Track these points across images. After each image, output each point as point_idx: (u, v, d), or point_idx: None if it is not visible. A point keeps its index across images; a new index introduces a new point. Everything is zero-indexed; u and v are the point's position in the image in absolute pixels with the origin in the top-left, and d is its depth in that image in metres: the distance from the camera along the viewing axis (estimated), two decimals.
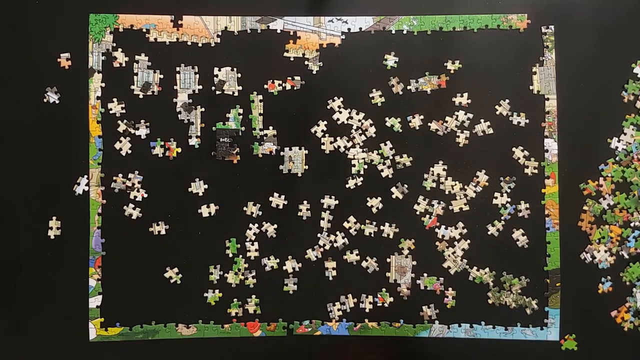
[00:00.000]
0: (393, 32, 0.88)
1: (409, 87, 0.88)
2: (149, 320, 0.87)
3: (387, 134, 0.88)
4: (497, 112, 0.88)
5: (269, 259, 0.88)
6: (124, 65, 0.88)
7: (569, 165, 0.88)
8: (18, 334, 0.87)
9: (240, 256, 0.88)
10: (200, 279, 0.88)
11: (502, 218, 0.88)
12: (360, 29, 0.89)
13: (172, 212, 0.88)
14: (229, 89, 0.88)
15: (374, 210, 0.88)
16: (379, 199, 0.88)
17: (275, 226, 0.88)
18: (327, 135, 0.88)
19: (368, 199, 0.88)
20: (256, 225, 0.88)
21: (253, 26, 0.88)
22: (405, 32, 0.88)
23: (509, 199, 0.88)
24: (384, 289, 0.88)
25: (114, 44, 0.88)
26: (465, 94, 0.88)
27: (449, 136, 0.88)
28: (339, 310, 0.88)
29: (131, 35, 0.88)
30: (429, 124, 0.88)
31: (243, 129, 0.88)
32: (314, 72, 0.88)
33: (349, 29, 0.88)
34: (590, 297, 0.87)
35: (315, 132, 0.88)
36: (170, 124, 0.88)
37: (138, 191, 0.87)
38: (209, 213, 0.88)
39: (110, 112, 0.88)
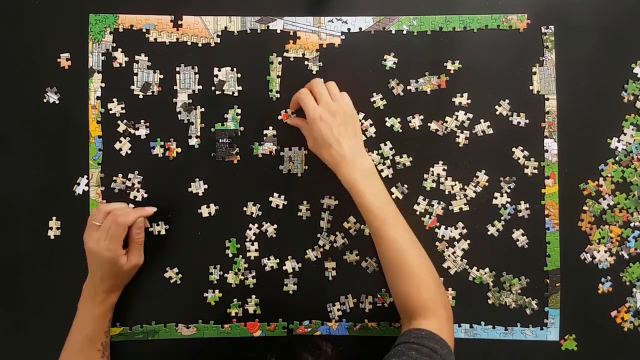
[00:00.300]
0: (393, 32, 0.88)
1: (408, 87, 0.88)
2: (149, 320, 0.87)
3: (387, 134, 0.88)
4: (497, 112, 0.88)
5: (268, 259, 0.88)
6: (124, 65, 0.88)
7: (569, 165, 0.88)
8: (18, 334, 0.87)
9: (240, 256, 0.88)
10: (200, 279, 0.88)
11: (502, 218, 0.88)
12: (360, 29, 0.89)
13: (172, 212, 0.88)
14: (228, 89, 0.88)
15: None
16: None
17: (275, 226, 0.88)
18: None
19: None
20: (256, 225, 0.88)
21: (253, 26, 0.88)
22: (405, 32, 0.88)
23: (509, 199, 0.88)
24: (383, 289, 0.88)
25: (114, 44, 0.88)
26: (465, 94, 0.88)
27: (449, 136, 0.88)
28: (338, 310, 0.88)
29: (131, 36, 0.88)
30: (429, 124, 0.88)
31: (242, 129, 0.88)
32: (314, 72, 0.88)
33: (348, 29, 0.89)
34: (590, 297, 0.87)
35: None
36: (170, 124, 0.88)
37: (138, 191, 0.87)
38: (209, 213, 0.88)
39: (110, 112, 0.88)
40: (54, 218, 0.87)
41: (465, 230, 0.88)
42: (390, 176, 0.88)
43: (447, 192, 0.88)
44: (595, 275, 0.88)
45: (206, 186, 0.88)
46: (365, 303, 0.88)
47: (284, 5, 0.89)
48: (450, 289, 0.87)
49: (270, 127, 0.88)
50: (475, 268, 0.88)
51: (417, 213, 0.88)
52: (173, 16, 0.88)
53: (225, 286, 0.88)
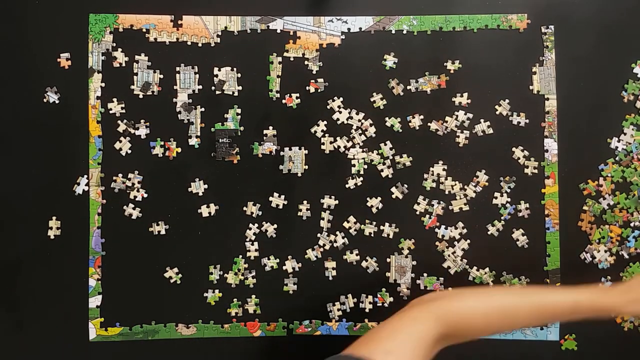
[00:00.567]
0: (393, 32, 0.88)
1: (408, 87, 0.88)
2: (148, 320, 0.87)
3: (387, 134, 0.88)
4: (497, 112, 0.88)
5: (268, 259, 0.88)
6: (124, 65, 0.88)
7: (569, 165, 0.88)
8: (18, 334, 0.87)
9: (240, 256, 0.88)
10: (200, 279, 0.88)
11: (502, 218, 0.88)
12: (360, 29, 0.89)
13: (172, 212, 0.88)
14: (228, 89, 0.88)
15: (374, 210, 0.88)
16: (379, 199, 0.88)
17: (275, 226, 0.88)
18: (327, 135, 0.88)
19: (368, 199, 0.88)
20: (256, 225, 0.88)
21: (253, 26, 0.88)
22: (405, 32, 0.88)
23: (508, 199, 0.88)
24: (384, 289, 0.88)
25: (114, 44, 0.88)
26: (465, 94, 0.88)
27: (449, 136, 0.88)
28: (338, 310, 0.88)
29: (131, 35, 0.88)
30: (429, 124, 0.88)
31: (242, 128, 0.88)
32: (314, 72, 0.88)
33: (348, 29, 0.88)
34: None
35: (315, 132, 0.88)
36: (170, 124, 0.88)
37: (138, 191, 0.87)
38: (209, 213, 0.88)
39: (110, 112, 0.88)
40: (54, 218, 0.87)
41: (465, 230, 0.88)
42: (390, 176, 0.88)
43: (447, 192, 0.88)
44: (595, 275, 0.87)
45: (206, 186, 0.88)
46: (365, 303, 0.88)
47: (284, 5, 0.89)
48: (450, 289, 0.87)
49: (270, 127, 0.88)
50: (475, 268, 0.88)
51: (417, 213, 0.88)
52: (173, 16, 0.88)
53: (225, 286, 0.88)
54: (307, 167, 0.88)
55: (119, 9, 0.88)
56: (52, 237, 0.87)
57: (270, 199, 0.88)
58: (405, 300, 0.87)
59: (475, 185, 0.88)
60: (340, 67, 0.88)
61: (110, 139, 0.88)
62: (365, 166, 0.88)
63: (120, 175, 0.88)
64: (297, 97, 0.88)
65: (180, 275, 0.87)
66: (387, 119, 0.88)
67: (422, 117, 0.88)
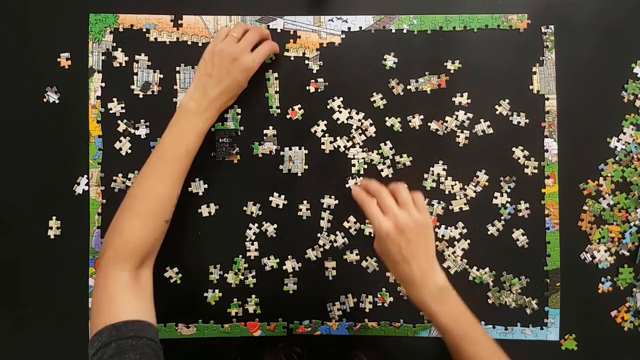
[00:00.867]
0: (393, 31, 0.88)
1: (408, 87, 0.88)
2: None
3: (387, 133, 0.88)
4: (497, 112, 0.88)
5: (268, 259, 0.88)
6: (124, 65, 0.88)
7: (569, 165, 0.88)
8: (18, 334, 0.87)
9: (240, 256, 0.88)
10: (200, 279, 0.88)
11: (502, 218, 0.88)
12: (361, 28, 0.89)
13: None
14: None
15: None
16: None
17: (275, 226, 0.88)
18: (327, 135, 0.88)
19: None
20: (256, 225, 0.88)
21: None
22: (405, 31, 0.88)
23: (509, 199, 0.88)
24: (384, 289, 0.88)
25: (114, 44, 0.88)
26: (465, 94, 0.88)
27: (449, 136, 0.88)
28: (338, 310, 0.88)
29: (131, 35, 0.88)
30: (429, 123, 0.88)
31: (242, 128, 0.88)
32: (314, 72, 0.88)
33: (349, 28, 0.88)
34: (590, 297, 0.87)
35: (315, 132, 0.88)
36: None
37: None
38: (209, 213, 0.88)
39: (110, 112, 0.88)
40: (54, 218, 0.87)
41: (465, 230, 0.88)
42: (390, 176, 0.88)
43: (447, 192, 0.88)
44: (595, 275, 0.88)
45: (206, 186, 0.88)
46: (365, 303, 0.88)
47: (284, 5, 0.89)
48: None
49: (270, 127, 0.88)
50: (475, 268, 0.88)
51: None
52: (173, 16, 0.88)
53: (225, 286, 0.88)
54: (307, 167, 0.88)
55: (119, 9, 0.88)
56: (52, 237, 0.87)
57: (270, 198, 0.88)
58: (406, 300, 0.87)
59: (475, 185, 0.88)
60: (341, 66, 0.88)
61: (110, 138, 0.88)
62: (365, 166, 0.88)
63: (120, 175, 0.88)
64: (299, 108, 0.88)
65: (180, 275, 0.88)
66: (387, 118, 0.88)
67: (422, 117, 0.88)
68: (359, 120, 0.88)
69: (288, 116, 0.88)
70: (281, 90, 0.88)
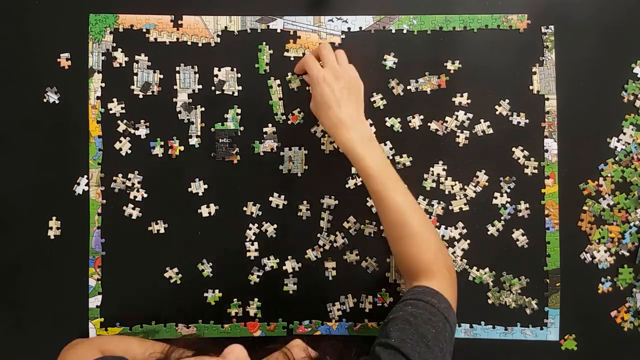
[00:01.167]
0: (393, 31, 0.88)
1: (408, 87, 0.88)
2: (149, 320, 0.87)
3: (387, 134, 0.88)
4: (497, 112, 0.88)
5: (268, 259, 0.88)
6: (124, 65, 0.88)
7: (569, 165, 0.88)
8: (18, 334, 0.87)
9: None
10: (200, 279, 0.88)
11: (502, 218, 0.88)
12: (361, 28, 0.89)
13: (172, 212, 0.88)
14: (228, 88, 0.88)
15: (374, 210, 0.88)
16: None
17: (275, 226, 0.88)
18: (327, 135, 0.88)
19: (368, 199, 0.88)
20: (256, 225, 0.88)
21: (253, 26, 0.88)
22: (405, 31, 0.88)
23: (508, 199, 0.88)
24: (384, 289, 0.88)
25: (114, 44, 0.88)
26: (465, 94, 0.88)
27: (449, 136, 0.88)
28: (338, 310, 0.88)
29: (131, 35, 0.88)
30: (429, 124, 0.88)
31: (242, 128, 0.88)
32: None
33: (349, 28, 0.88)
34: (590, 297, 0.87)
35: (315, 132, 0.88)
36: (171, 123, 0.88)
37: (138, 191, 0.87)
38: (209, 213, 0.88)
39: (110, 112, 0.88)
40: (54, 218, 0.87)
41: (465, 230, 0.88)
42: None
43: (447, 192, 0.88)
44: (595, 275, 0.88)
45: (206, 186, 0.88)
46: (365, 303, 0.88)
47: (284, 5, 0.89)
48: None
49: (270, 125, 0.88)
50: (475, 268, 0.88)
51: None
52: (173, 16, 0.88)
53: (226, 286, 0.88)
54: (307, 167, 0.88)
55: (119, 9, 0.88)
56: (52, 237, 0.87)
57: (270, 199, 0.88)
58: None
59: (475, 185, 0.88)
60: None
61: (110, 139, 0.88)
62: None
63: (120, 175, 0.88)
64: (299, 112, 0.88)
65: (180, 275, 0.88)
66: (387, 119, 0.88)
67: (422, 117, 0.88)
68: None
69: (289, 122, 0.88)
70: (285, 96, 0.88)
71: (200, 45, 0.88)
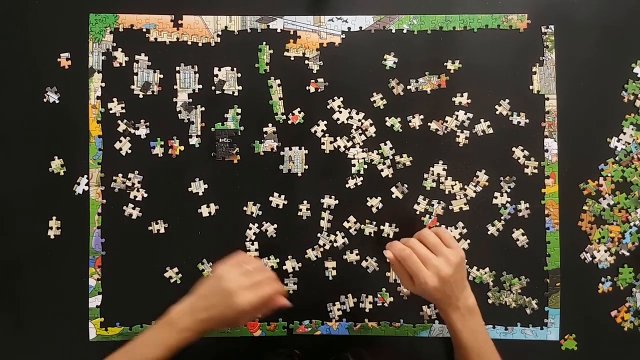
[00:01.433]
0: (393, 31, 0.88)
1: (408, 87, 0.88)
2: (148, 320, 0.87)
3: (387, 133, 0.88)
4: (497, 112, 0.88)
5: (268, 259, 0.88)
6: (124, 65, 0.88)
7: (569, 165, 0.88)
8: (18, 334, 0.87)
9: None
10: (200, 279, 0.87)
11: (502, 218, 0.88)
12: (361, 28, 0.89)
13: (172, 212, 0.88)
14: (228, 88, 0.88)
15: (374, 210, 0.88)
16: (379, 198, 0.88)
17: (275, 226, 0.88)
18: (327, 135, 0.88)
19: (368, 198, 0.88)
20: (256, 225, 0.88)
21: (253, 26, 0.88)
22: (405, 31, 0.88)
23: (508, 199, 0.88)
24: (384, 289, 0.88)
25: (114, 44, 0.88)
26: (465, 94, 0.88)
27: (449, 136, 0.88)
28: (338, 310, 0.88)
29: (131, 35, 0.88)
30: (429, 123, 0.88)
31: (242, 128, 0.88)
32: (315, 72, 0.88)
33: (349, 28, 0.88)
34: (590, 297, 0.87)
35: (315, 132, 0.88)
36: (171, 123, 0.88)
37: (138, 191, 0.87)
38: (209, 213, 0.88)
39: (110, 112, 0.88)
40: (54, 218, 0.87)
41: (465, 230, 0.88)
42: (390, 176, 0.88)
43: (447, 192, 0.88)
44: (595, 275, 0.88)
45: (206, 186, 0.88)
46: (365, 303, 0.88)
47: (284, 5, 0.89)
48: None
49: (270, 124, 0.88)
50: (475, 268, 0.88)
51: (417, 213, 0.88)
52: (173, 16, 0.88)
53: None
54: (307, 167, 0.88)
55: (119, 9, 0.88)
56: (52, 237, 0.87)
57: (270, 198, 0.88)
58: (405, 300, 0.87)
59: (475, 185, 0.88)
60: (341, 66, 0.88)
61: (110, 139, 0.88)
62: (365, 166, 0.88)
63: (120, 175, 0.88)
64: (299, 111, 0.88)
65: (180, 275, 0.87)
66: (387, 118, 0.88)
67: (422, 117, 0.88)
68: (359, 120, 0.88)
69: (290, 122, 0.88)
70: (285, 96, 0.88)
71: (200, 45, 0.88)
